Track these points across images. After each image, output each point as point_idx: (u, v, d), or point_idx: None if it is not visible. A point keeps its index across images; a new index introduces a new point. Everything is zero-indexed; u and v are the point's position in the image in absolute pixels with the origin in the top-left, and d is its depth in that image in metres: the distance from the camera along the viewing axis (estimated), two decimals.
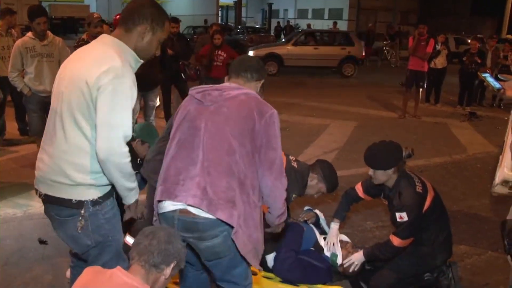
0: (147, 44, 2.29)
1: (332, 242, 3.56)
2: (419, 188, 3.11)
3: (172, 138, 2.35)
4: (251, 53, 15.21)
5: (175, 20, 7.57)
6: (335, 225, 3.61)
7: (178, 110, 2.47)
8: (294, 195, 3.42)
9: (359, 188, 3.61)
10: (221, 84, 2.43)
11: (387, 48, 21.22)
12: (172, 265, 1.95)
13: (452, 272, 3.32)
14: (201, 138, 2.24)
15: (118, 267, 1.94)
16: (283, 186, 2.34)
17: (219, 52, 7.51)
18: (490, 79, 2.78)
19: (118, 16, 8.14)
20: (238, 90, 2.33)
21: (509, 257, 2.49)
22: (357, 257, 3.35)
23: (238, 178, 2.21)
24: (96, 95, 2.06)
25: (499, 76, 2.85)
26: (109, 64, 2.09)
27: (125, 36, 2.24)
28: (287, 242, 3.34)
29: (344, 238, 3.72)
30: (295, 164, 3.45)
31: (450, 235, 3.34)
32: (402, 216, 3.07)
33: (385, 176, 3.17)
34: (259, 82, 2.49)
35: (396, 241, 3.12)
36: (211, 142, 2.23)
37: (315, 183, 3.49)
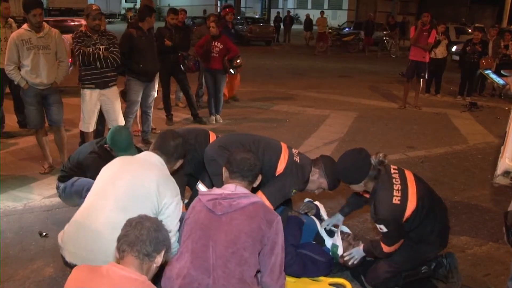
0: (175, 170, 2.91)
1: (328, 224, 3.61)
2: (396, 199, 2.91)
3: (185, 244, 2.48)
4: None
5: (175, 12, 7.48)
6: (339, 217, 3.61)
7: (189, 211, 2.60)
8: (294, 190, 3.42)
9: None
10: (228, 188, 2.52)
11: (386, 38, 21.13)
12: (162, 253, 1.96)
13: (449, 263, 3.31)
14: (214, 250, 2.38)
15: (112, 262, 1.93)
16: (279, 286, 2.54)
17: (216, 43, 7.44)
18: (493, 76, 2.73)
19: (227, 10, 8.67)
20: (246, 199, 2.46)
21: None
22: (358, 252, 3.35)
23: (250, 283, 2.40)
24: (165, 208, 2.63)
25: (502, 72, 2.78)
26: (175, 191, 2.71)
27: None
28: (286, 237, 3.33)
29: (345, 229, 3.71)
30: (297, 159, 3.43)
31: (444, 229, 3.24)
32: (381, 228, 3.00)
33: (360, 187, 3.09)
34: (258, 180, 2.70)
35: (385, 248, 3.11)
36: (225, 254, 2.36)
37: (316, 178, 3.46)
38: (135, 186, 2.58)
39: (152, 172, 2.65)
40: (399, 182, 2.98)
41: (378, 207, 2.96)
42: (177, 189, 2.70)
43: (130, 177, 2.62)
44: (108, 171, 2.74)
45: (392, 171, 3.07)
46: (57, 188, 3.96)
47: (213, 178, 3.45)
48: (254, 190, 2.85)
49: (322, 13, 22.41)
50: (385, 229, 2.98)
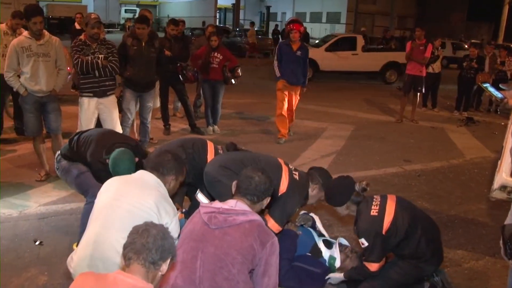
0: (172, 188, 2.89)
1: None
2: (374, 212, 3.12)
3: (177, 253, 2.46)
4: None
5: (175, 23, 7.51)
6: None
7: (188, 220, 2.62)
8: (297, 209, 3.48)
9: None
10: (229, 203, 2.51)
11: None
12: (168, 261, 1.95)
13: (441, 279, 3.30)
14: (203, 262, 2.38)
15: (118, 270, 1.92)
16: None
17: (216, 54, 7.46)
18: (491, 89, 2.73)
19: (291, 26, 7.30)
20: (244, 216, 2.44)
21: (511, 262, 2.46)
22: (334, 278, 3.39)
23: None
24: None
25: (500, 85, 2.78)
26: (173, 211, 2.72)
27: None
28: (281, 251, 3.32)
29: (343, 241, 3.71)
30: (296, 176, 3.44)
31: (436, 245, 3.25)
32: (363, 242, 3.12)
33: (344, 210, 3.29)
34: (265, 199, 2.62)
35: (371, 266, 3.13)
36: (212, 267, 2.35)
37: (316, 193, 3.50)
38: (135, 209, 2.59)
39: (151, 192, 2.66)
40: (378, 199, 3.22)
41: (358, 221, 3.18)
42: (174, 209, 2.73)
43: (130, 200, 2.62)
44: (106, 194, 2.72)
45: (375, 196, 3.27)
46: (58, 161, 3.79)
47: (220, 199, 3.38)
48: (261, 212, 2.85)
49: (252, 24, 23.78)
50: (366, 243, 3.09)
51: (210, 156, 3.72)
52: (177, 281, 2.38)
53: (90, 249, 2.58)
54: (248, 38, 22.24)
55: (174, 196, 3.47)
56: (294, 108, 7.67)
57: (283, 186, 3.35)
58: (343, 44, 15.78)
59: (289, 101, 7.47)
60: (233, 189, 2.64)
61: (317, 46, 16.55)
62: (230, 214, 2.44)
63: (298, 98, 7.64)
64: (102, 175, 3.40)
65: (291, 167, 3.52)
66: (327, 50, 15.62)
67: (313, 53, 15.65)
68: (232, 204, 2.49)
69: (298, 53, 7.30)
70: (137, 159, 3.45)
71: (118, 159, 3.36)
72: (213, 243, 2.39)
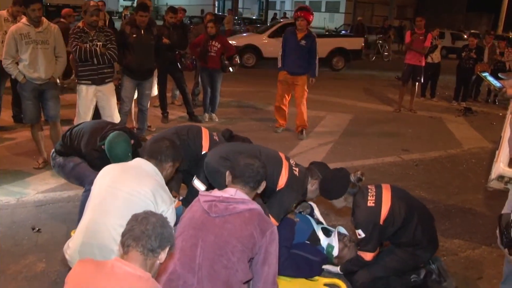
0: (169, 174, 2.92)
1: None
2: (370, 202, 3.13)
3: (176, 241, 2.45)
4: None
5: (174, 11, 7.47)
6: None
7: (187, 209, 2.62)
8: (293, 205, 3.47)
9: None
10: (228, 192, 2.50)
11: (380, 42, 21.17)
12: (166, 249, 1.94)
13: (437, 266, 3.32)
14: (202, 250, 2.38)
15: (116, 257, 1.92)
16: None
17: (214, 43, 7.43)
18: (490, 78, 2.72)
19: (298, 13, 6.84)
20: (244, 205, 2.45)
21: (506, 250, 2.48)
22: (331, 270, 3.41)
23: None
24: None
25: (499, 74, 2.78)
26: (169, 199, 2.73)
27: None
28: (279, 239, 3.33)
29: (342, 230, 3.72)
30: (296, 172, 3.43)
31: (429, 234, 3.25)
32: (359, 233, 3.14)
33: (340, 203, 3.30)
34: (262, 184, 2.63)
35: (365, 256, 3.17)
36: (211, 255, 2.36)
37: (315, 188, 3.49)
38: (132, 196, 2.59)
39: (148, 181, 2.66)
40: (373, 189, 3.22)
41: (355, 212, 3.18)
42: (171, 197, 2.74)
43: (127, 188, 2.62)
44: (103, 181, 2.71)
45: (369, 186, 3.28)
46: (53, 158, 3.80)
47: (220, 189, 3.39)
48: None
49: (229, 11, 23.49)
50: (363, 234, 3.12)
51: (205, 142, 3.71)
52: (176, 268, 2.38)
53: (86, 235, 2.58)
54: (225, 25, 22.18)
55: (171, 183, 3.48)
56: (300, 103, 7.18)
57: (282, 182, 3.34)
58: None
59: (294, 94, 7.22)
60: (228, 179, 2.62)
61: (260, 32, 16.16)
62: (230, 203, 2.44)
63: (306, 90, 7.25)
64: (98, 163, 3.38)
65: (292, 162, 3.51)
66: (270, 36, 15.13)
67: (256, 40, 15.43)
68: (232, 192, 2.49)
69: (302, 42, 6.90)
70: (132, 141, 3.46)
71: (114, 142, 3.37)
72: (213, 231, 2.39)
